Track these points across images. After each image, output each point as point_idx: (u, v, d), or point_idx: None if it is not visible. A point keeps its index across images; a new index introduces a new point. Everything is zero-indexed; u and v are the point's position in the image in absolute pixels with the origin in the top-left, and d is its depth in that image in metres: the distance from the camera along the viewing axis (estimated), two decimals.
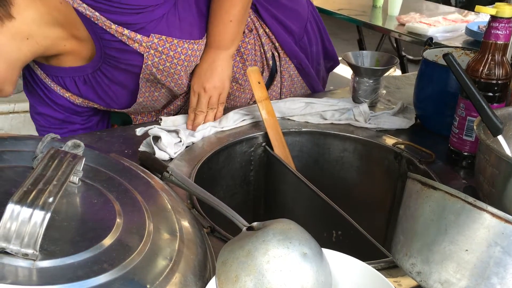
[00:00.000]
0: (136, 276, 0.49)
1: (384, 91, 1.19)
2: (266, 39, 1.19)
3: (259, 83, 1.02)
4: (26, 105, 1.83)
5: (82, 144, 0.62)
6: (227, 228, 0.70)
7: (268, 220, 0.59)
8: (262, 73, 1.19)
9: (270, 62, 1.21)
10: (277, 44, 1.21)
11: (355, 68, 1.14)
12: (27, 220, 0.47)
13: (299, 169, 0.99)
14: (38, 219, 0.47)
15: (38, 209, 0.47)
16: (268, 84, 1.22)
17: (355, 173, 1.07)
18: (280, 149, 1.02)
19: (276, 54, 1.21)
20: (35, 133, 1.38)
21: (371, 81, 1.12)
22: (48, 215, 0.47)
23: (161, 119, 1.03)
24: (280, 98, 1.22)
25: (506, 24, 0.84)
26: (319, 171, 1.09)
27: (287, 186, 1.01)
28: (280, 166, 1.00)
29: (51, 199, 0.49)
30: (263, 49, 1.19)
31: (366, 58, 1.19)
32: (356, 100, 1.15)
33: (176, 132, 0.96)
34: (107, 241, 0.51)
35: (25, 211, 0.47)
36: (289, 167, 0.97)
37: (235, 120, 1.06)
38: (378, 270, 0.59)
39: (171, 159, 0.92)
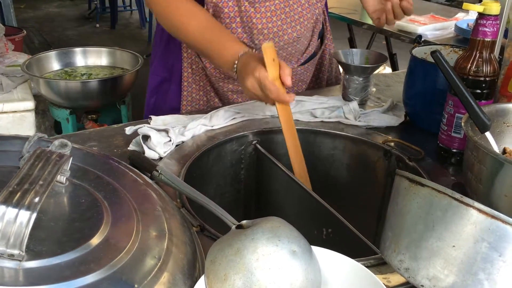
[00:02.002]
0: (124, 276, 0.49)
1: (374, 89, 1.20)
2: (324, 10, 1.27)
3: (273, 60, 0.93)
4: (15, 105, 1.82)
5: (69, 143, 0.61)
6: (218, 227, 0.70)
7: (259, 218, 0.59)
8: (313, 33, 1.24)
9: (320, 26, 1.28)
10: (327, 18, 1.28)
11: (344, 66, 1.14)
12: (12, 220, 0.46)
13: (290, 167, 0.98)
14: (24, 219, 0.47)
15: (24, 209, 0.47)
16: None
17: (345, 171, 1.07)
18: (289, 132, 0.96)
19: (325, 26, 1.30)
20: (24, 133, 1.36)
21: (361, 79, 1.13)
22: (34, 215, 0.47)
23: (150, 118, 1.02)
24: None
25: (494, 22, 0.84)
26: (310, 169, 1.08)
27: (278, 184, 1.01)
28: (271, 164, 1.00)
29: (37, 199, 0.48)
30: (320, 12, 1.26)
31: (356, 56, 1.19)
32: (346, 98, 1.15)
33: (166, 131, 0.95)
34: (95, 241, 0.51)
35: (11, 211, 0.46)
36: (280, 165, 0.97)
37: (225, 119, 1.06)
38: (367, 267, 0.59)
39: (161, 158, 0.92)
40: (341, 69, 1.17)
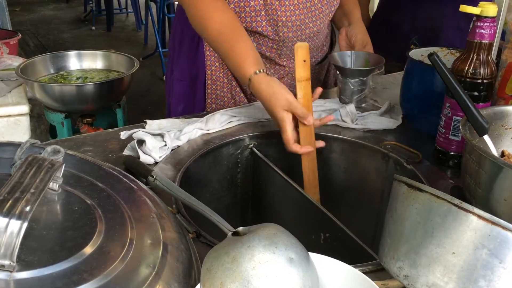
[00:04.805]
0: (118, 286, 0.48)
1: (370, 93, 1.19)
2: None
3: (304, 61, 0.96)
4: (9, 110, 1.80)
5: (62, 149, 0.60)
6: (214, 233, 0.69)
7: (256, 223, 0.58)
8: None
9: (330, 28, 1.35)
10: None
11: (339, 69, 1.14)
12: (3, 230, 0.45)
13: (287, 171, 0.98)
14: (15, 228, 0.46)
15: (15, 218, 0.46)
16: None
17: (342, 174, 1.06)
18: (306, 134, 0.96)
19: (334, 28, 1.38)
20: (19, 138, 1.33)
21: (356, 81, 1.12)
22: (25, 224, 0.46)
23: (146, 122, 1.01)
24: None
25: (491, 24, 0.84)
26: None
27: (275, 188, 1.00)
28: (267, 168, 0.99)
29: (28, 208, 0.47)
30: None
31: (357, 58, 1.18)
32: (341, 100, 1.14)
33: (161, 135, 0.94)
34: (88, 250, 0.50)
35: (1, 221, 0.45)
36: (276, 169, 0.96)
37: (221, 122, 1.05)
38: (365, 273, 0.59)
39: (156, 163, 0.91)
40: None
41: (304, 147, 0.95)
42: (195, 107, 1.27)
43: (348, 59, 1.18)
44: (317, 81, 1.34)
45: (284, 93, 0.94)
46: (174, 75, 1.29)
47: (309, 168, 0.98)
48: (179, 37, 1.27)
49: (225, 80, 1.23)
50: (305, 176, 0.98)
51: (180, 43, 1.27)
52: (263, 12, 1.13)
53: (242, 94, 1.25)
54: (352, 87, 1.12)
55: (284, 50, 1.19)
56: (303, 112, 0.93)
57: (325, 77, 1.39)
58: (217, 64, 1.21)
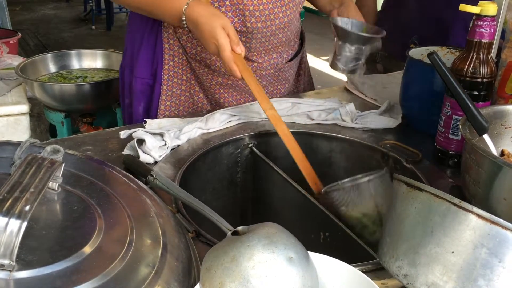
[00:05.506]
0: (117, 285, 0.48)
1: (364, 65, 1.15)
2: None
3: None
4: (9, 109, 1.80)
5: (61, 149, 0.60)
6: (214, 232, 0.69)
7: (255, 222, 0.58)
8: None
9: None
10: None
11: (339, 31, 1.09)
12: (2, 229, 0.45)
13: (286, 170, 0.98)
14: (14, 228, 0.46)
15: (14, 217, 0.46)
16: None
17: (342, 173, 1.06)
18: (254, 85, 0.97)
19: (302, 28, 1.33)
20: (19, 138, 1.33)
21: (354, 48, 1.09)
22: (25, 224, 0.46)
23: (145, 122, 1.01)
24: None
25: (491, 23, 0.84)
26: None
27: (275, 187, 1.00)
28: (267, 167, 0.99)
29: (27, 207, 0.47)
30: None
31: (355, 27, 1.13)
32: (334, 66, 1.11)
33: (161, 135, 0.94)
34: (87, 249, 0.50)
35: (1, 220, 0.46)
36: (276, 168, 0.96)
37: (221, 122, 1.05)
38: (365, 272, 0.59)
39: (156, 162, 0.91)
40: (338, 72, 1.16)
41: (244, 72, 0.96)
42: (152, 105, 1.22)
43: (346, 26, 1.12)
44: (284, 80, 1.27)
45: (222, 15, 1.00)
46: (136, 73, 1.24)
47: (254, 87, 0.97)
48: (141, 32, 1.22)
49: (184, 77, 1.19)
50: (252, 88, 0.97)
51: (141, 40, 1.22)
52: (227, 2, 1.08)
53: (201, 94, 1.20)
54: (349, 54, 1.08)
55: (253, 42, 1.14)
56: (236, 36, 0.97)
57: (296, 80, 1.34)
58: (176, 59, 1.17)
